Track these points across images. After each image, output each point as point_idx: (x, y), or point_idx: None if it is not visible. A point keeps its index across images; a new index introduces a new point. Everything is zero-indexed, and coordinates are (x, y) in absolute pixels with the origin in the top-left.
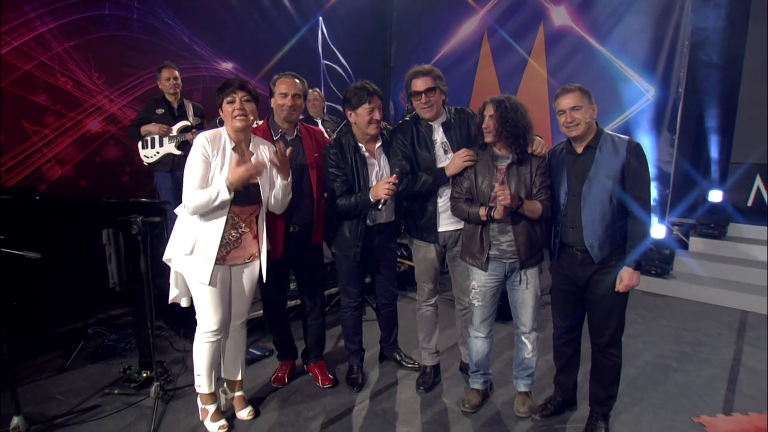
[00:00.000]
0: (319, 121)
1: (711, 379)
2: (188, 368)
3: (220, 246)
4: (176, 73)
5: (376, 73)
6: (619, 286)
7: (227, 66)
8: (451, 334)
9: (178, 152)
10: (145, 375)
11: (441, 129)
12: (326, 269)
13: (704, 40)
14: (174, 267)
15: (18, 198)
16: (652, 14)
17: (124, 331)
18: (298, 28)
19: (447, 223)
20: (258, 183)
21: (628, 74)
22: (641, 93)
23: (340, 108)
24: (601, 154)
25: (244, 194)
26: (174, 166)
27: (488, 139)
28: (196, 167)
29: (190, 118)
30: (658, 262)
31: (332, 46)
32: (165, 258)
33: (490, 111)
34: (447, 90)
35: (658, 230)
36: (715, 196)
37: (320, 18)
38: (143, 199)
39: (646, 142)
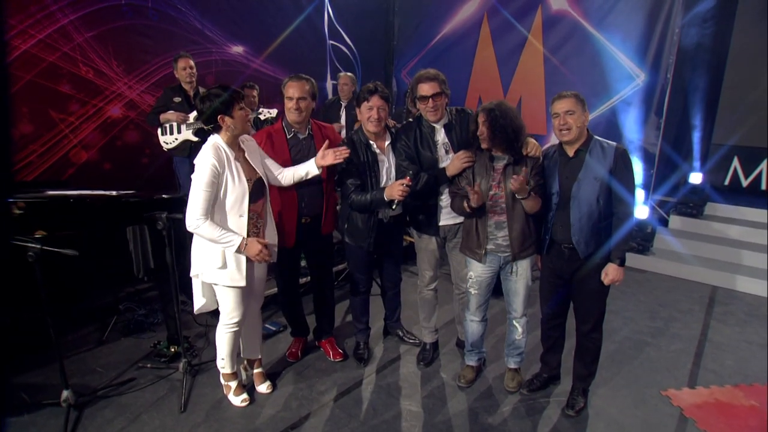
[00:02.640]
0: (344, 103)
1: (679, 354)
2: (211, 342)
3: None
4: (191, 62)
5: (380, 51)
6: (605, 280)
7: (238, 50)
8: (449, 310)
9: (195, 138)
10: (173, 350)
11: (443, 130)
12: (334, 248)
13: (693, 27)
14: (205, 280)
15: (53, 201)
16: (644, 1)
17: (151, 305)
18: (303, 8)
19: (447, 218)
20: (262, 178)
21: (620, 59)
22: (632, 77)
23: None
24: (591, 157)
25: (255, 192)
26: (192, 151)
27: (484, 145)
28: (203, 193)
29: None
30: (640, 239)
31: (338, 26)
32: (192, 273)
33: (482, 118)
34: (449, 93)
35: (641, 210)
36: (696, 178)
37: None
38: (165, 195)
39: (634, 124)
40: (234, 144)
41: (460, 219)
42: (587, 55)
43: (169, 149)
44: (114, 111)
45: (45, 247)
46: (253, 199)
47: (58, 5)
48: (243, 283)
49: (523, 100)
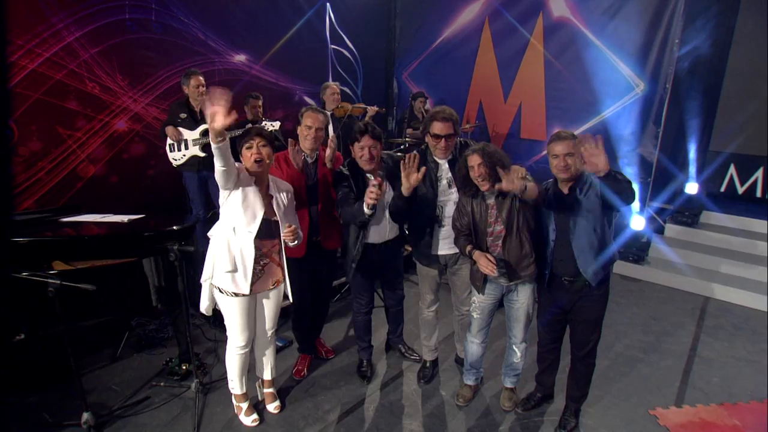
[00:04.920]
0: (330, 112)
1: (669, 371)
2: (220, 359)
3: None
4: (202, 79)
5: (381, 54)
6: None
7: (240, 58)
8: (449, 323)
9: (202, 154)
10: (184, 368)
11: (447, 165)
12: (337, 262)
13: (693, 37)
14: (213, 283)
15: (68, 239)
16: (645, 12)
17: (161, 319)
18: (304, 13)
19: (446, 248)
20: (278, 220)
21: (621, 68)
22: (631, 87)
23: (349, 92)
24: (583, 193)
25: (266, 230)
26: (200, 166)
27: (485, 187)
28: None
29: None
30: (636, 249)
31: (339, 30)
32: (203, 278)
33: (476, 160)
34: (460, 132)
35: (637, 222)
36: (692, 188)
37: (327, 4)
38: (175, 227)
39: (633, 133)
40: (258, 179)
41: None
42: (588, 63)
43: (177, 165)
44: (120, 125)
45: (64, 283)
46: (260, 236)
47: (64, 23)
48: (246, 291)
49: (523, 106)
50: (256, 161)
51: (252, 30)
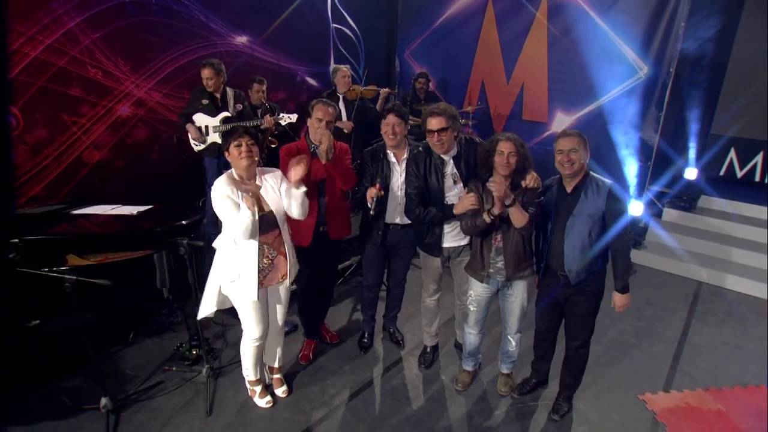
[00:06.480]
0: (341, 95)
1: (659, 356)
2: (229, 343)
3: (258, 271)
4: (213, 71)
5: (383, 32)
6: (615, 308)
7: (242, 39)
8: (450, 310)
9: (221, 141)
10: (195, 353)
11: (452, 162)
12: (341, 245)
13: (699, 21)
14: (223, 291)
15: (80, 236)
16: None
17: (170, 304)
18: None
19: (451, 241)
20: (273, 210)
21: (624, 51)
22: (635, 70)
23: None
24: (586, 195)
25: (264, 224)
26: (220, 152)
27: (504, 172)
28: (226, 206)
29: (230, 109)
30: (633, 234)
31: (341, 8)
32: (209, 284)
33: (510, 148)
34: (460, 128)
35: (635, 207)
36: (691, 173)
37: None
38: (184, 222)
39: (634, 117)
40: (246, 176)
41: (463, 241)
42: (592, 45)
43: (199, 150)
44: (123, 110)
45: (80, 278)
46: (262, 231)
47: (65, 8)
48: (255, 297)
49: (526, 87)
50: (243, 157)
51: (253, 9)
